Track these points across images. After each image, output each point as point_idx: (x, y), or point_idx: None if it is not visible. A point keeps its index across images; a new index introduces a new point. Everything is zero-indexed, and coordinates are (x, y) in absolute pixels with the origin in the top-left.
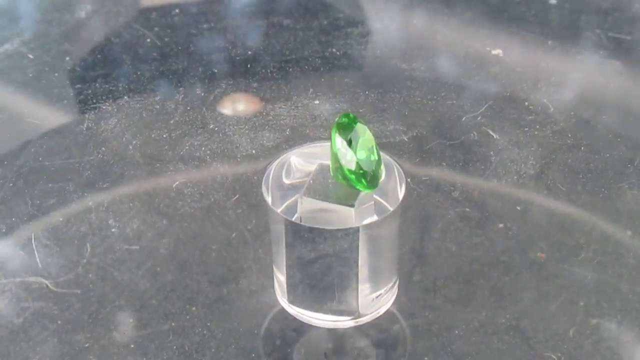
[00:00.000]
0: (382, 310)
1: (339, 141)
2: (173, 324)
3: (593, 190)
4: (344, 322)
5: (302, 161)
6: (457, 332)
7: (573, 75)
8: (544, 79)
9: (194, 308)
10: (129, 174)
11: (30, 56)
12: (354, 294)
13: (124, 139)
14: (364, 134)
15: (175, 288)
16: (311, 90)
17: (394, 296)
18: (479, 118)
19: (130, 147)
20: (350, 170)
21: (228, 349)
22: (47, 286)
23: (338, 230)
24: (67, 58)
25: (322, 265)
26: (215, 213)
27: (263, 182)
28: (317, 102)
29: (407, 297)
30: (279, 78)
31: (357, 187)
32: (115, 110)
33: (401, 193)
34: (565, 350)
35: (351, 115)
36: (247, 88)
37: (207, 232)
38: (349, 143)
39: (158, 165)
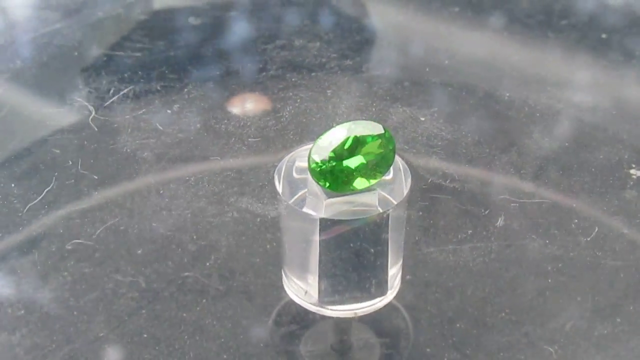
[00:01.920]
0: (343, 314)
1: (329, 133)
2: (184, 314)
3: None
4: (312, 306)
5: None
6: (458, 325)
7: None
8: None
9: (204, 300)
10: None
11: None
12: (304, 285)
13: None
14: (371, 149)
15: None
16: (435, 109)
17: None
18: (515, 205)
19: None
20: (311, 160)
21: (237, 338)
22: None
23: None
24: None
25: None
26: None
27: (275, 172)
28: (422, 118)
29: (410, 291)
30: (426, 87)
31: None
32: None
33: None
34: (562, 343)
35: (386, 132)
36: (398, 84)
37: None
38: (350, 146)
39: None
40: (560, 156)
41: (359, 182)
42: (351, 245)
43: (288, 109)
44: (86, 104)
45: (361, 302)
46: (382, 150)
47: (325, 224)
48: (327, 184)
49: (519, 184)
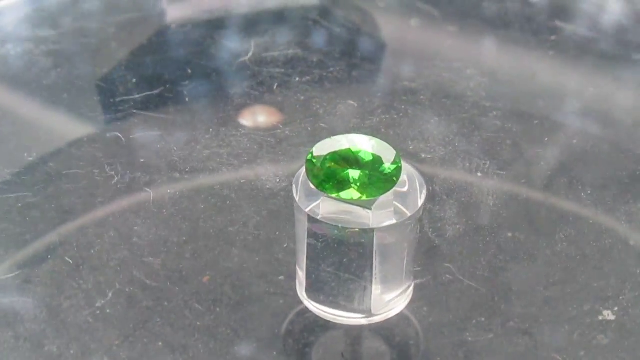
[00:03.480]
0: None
1: (342, 137)
2: (198, 323)
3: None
4: (303, 298)
5: None
6: (467, 334)
7: None
8: None
9: (218, 309)
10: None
11: None
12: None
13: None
14: (372, 169)
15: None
16: (512, 170)
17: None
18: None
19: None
20: (310, 153)
21: (250, 346)
22: None
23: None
24: None
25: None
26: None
27: (294, 181)
28: (479, 174)
29: (421, 301)
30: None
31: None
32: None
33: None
34: (570, 351)
35: (396, 161)
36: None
37: None
38: (352, 157)
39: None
40: None
41: (348, 193)
42: (335, 253)
43: (381, 116)
44: (251, 49)
45: (345, 311)
46: (381, 175)
47: (312, 220)
48: (313, 179)
49: None
